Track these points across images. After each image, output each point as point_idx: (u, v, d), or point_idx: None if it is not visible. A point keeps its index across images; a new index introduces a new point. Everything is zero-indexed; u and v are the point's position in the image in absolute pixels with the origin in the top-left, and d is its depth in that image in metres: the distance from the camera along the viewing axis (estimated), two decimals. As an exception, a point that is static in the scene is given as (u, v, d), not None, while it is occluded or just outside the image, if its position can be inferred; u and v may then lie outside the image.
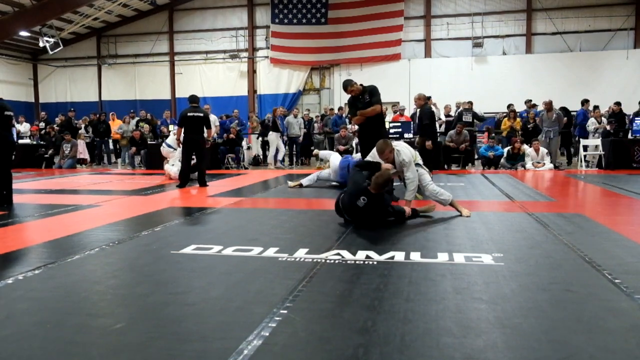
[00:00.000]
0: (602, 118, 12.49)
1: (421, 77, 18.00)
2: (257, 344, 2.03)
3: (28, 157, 13.76)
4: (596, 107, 12.92)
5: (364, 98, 6.38)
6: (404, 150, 5.06)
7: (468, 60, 18.19)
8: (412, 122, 12.11)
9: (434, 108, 11.47)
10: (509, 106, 13.28)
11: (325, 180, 8.01)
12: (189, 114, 8.22)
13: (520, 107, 13.77)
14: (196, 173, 8.47)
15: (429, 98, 11.80)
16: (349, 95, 6.60)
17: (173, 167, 9.37)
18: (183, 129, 8.27)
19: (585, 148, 11.69)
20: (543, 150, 10.99)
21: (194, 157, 8.45)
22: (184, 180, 8.21)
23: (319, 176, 7.97)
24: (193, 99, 8.49)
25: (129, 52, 21.02)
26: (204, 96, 19.57)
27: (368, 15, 18.51)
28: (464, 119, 12.12)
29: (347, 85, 6.45)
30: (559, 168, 11.04)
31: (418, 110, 8.21)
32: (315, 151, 10.14)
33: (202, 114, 8.32)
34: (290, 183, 7.99)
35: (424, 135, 7.80)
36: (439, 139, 11.52)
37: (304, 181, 7.88)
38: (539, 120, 11.77)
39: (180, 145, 8.46)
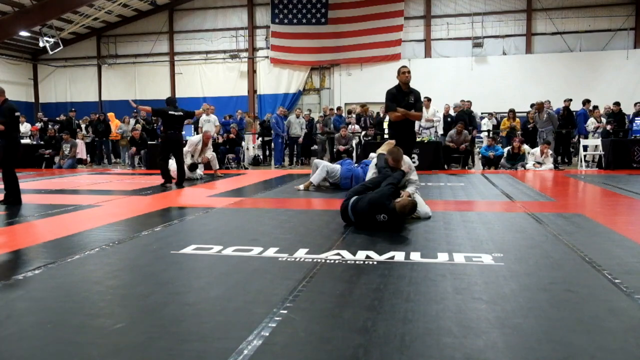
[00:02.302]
0: (602, 118, 12.49)
1: (421, 77, 17.84)
2: (257, 344, 2.03)
3: (28, 157, 13.74)
4: (596, 107, 12.92)
5: (408, 98, 6.32)
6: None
7: (468, 60, 18.18)
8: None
9: (429, 110, 11.63)
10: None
11: (323, 182, 7.78)
12: (169, 112, 8.38)
13: (519, 108, 13.72)
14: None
15: (428, 100, 11.89)
16: (397, 84, 6.33)
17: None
18: (163, 125, 8.40)
19: (585, 148, 11.68)
20: (548, 151, 10.84)
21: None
22: (166, 177, 8.28)
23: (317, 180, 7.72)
24: (170, 101, 8.66)
25: (129, 52, 21.02)
26: (204, 96, 19.62)
27: (368, 15, 18.51)
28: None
29: (405, 67, 6.41)
30: (559, 168, 11.03)
31: None
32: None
33: (181, 113, 8.50)
34: (300, 186, 7.61)
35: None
36: (438, 139, 11.57)
37: (314, 180, 7.58)
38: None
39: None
